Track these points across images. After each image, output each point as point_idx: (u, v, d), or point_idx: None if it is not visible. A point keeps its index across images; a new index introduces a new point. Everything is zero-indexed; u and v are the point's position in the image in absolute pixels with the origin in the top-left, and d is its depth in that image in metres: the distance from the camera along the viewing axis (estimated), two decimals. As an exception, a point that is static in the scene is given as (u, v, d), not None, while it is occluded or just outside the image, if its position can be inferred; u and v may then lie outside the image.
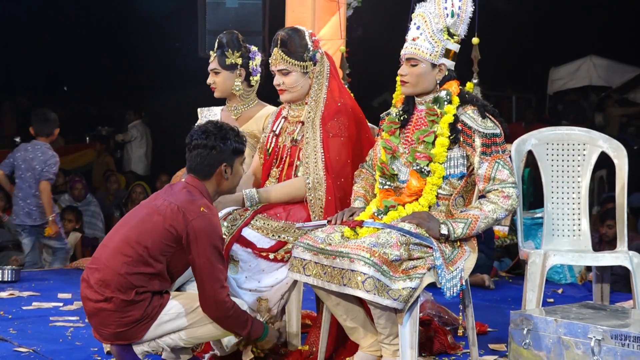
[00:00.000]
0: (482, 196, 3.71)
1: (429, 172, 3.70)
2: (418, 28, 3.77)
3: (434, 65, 3.76)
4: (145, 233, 3.49)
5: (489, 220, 3.63)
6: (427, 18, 3.76)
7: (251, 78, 4.50)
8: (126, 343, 3.52)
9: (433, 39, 3.74)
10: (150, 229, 3.49)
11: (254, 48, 4.54)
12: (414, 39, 3.77)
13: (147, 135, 12.07)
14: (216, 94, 4.54)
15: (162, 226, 3.47)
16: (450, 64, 3.79)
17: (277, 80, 4.08)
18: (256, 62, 4.49)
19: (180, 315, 3.53)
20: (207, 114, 4.69)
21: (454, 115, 3.71)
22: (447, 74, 3.77)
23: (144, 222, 3.53)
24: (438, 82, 3.77)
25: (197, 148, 3.58)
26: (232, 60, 4.46)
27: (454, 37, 3.79)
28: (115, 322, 3.47)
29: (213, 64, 4.49)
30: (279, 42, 4.04)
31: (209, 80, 4.51)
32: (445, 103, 3.73)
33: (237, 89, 4.48)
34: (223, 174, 3.60)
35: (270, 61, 4.09)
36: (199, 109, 4.77)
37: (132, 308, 3.46)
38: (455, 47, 3.80)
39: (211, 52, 4.53)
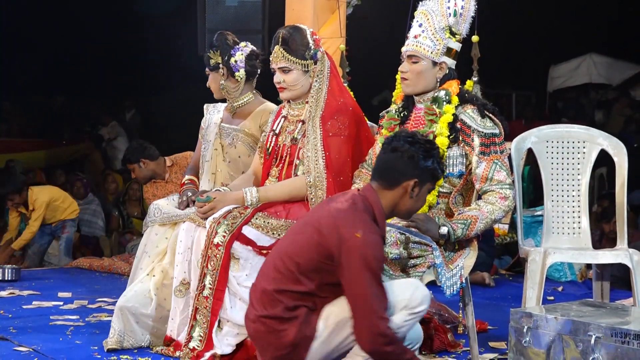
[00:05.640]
0: (479, 197, 3.72)
1: (429, 171, 3.70)
2: (420, 25, 3.77)
3: (434, 63, 3.76)
4: (297, 247, 3.14)
5: (488, 221, 3.63)
6: (430, 16, 3.76)
7: (236, 74, 4.50)
8: None
9: (435, 37, 3.74)
10: (303, 243, 3.13)
11: (243, 44, 4.53)
12: (415, 36, 3.77)
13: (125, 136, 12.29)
14: (215, 96, 4.65)
15: (317, 240, 3.09)
16: (451, 62, 3.79)
17: (278, 77, 4.08)
18: (237, 57, 4.48)
19: (341, 322, 3.10)
20: (212, 110, 4.78)
21: (454, 114, 3.71)
22: (447, 72, 3.77)
23: (298, 235, 3.20)
24: (438, 80, 3.77)
25: (395, 151, 3.21)
26: (215, 60, 4.50)
27: (456, 36, 3.79)
28: (271, 345, 3.12)
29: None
30: (280, 39, 4.03)
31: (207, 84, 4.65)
32: (444, 103, 3.73)
33: (222, 87, 4.52)
34: (409, 190, 3.20)
35: (271, 59, 4.09)
36: (205, 105, 4.84)
37: (285, 326, 3.09)
38: (456, 46, 3.80)
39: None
